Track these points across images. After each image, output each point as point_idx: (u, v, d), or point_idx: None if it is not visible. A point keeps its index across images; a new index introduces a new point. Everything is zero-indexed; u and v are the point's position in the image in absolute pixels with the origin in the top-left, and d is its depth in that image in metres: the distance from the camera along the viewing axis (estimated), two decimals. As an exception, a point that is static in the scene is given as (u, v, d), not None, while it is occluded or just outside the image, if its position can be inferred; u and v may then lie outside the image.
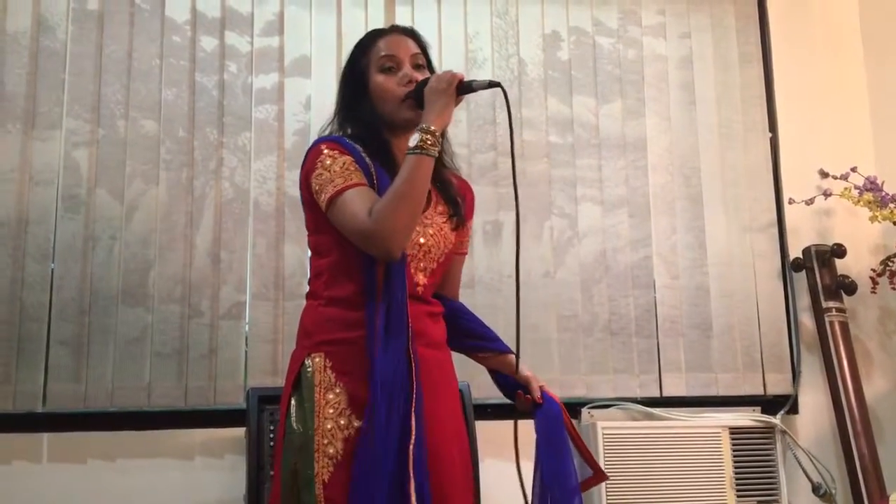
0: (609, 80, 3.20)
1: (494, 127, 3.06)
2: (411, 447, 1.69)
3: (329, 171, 1.79)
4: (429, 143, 1.77)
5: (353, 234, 1.76)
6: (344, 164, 1.81)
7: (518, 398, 1.95)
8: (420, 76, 1.89)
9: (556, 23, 3.19)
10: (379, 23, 3.01)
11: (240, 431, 2.57)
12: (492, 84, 1.87)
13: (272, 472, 2.32)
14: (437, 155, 1.79)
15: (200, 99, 2.86)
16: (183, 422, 2.69)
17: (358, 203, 1.75)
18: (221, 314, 2.75)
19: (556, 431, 1.90)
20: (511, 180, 1.91)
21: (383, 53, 1.91)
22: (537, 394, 1.93)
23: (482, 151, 3.04)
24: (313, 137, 2.84)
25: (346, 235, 1.78)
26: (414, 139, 1.77)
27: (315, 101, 2.93)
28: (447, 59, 3.05)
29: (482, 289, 2.95)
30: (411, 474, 1.68)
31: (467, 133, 3.03)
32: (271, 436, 2.40)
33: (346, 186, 1.77)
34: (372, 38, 1.97)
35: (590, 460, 1.96)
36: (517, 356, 1.92)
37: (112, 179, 2.76)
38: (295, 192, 2.85)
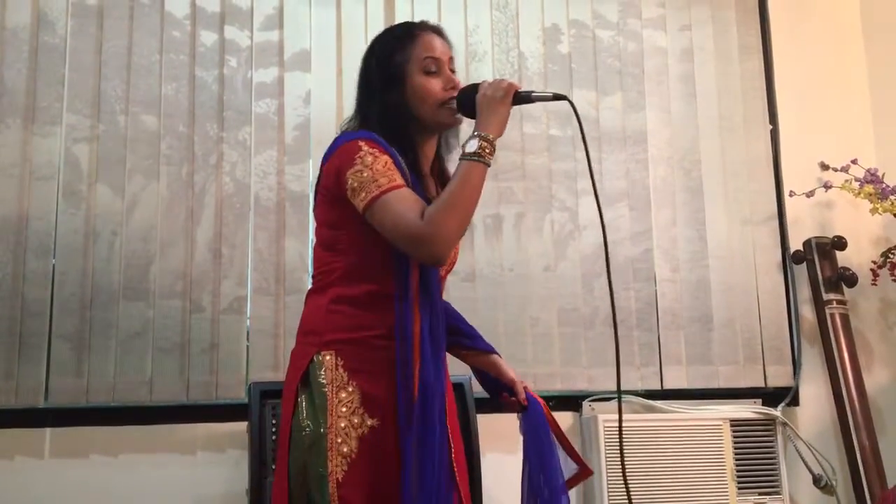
0: (609, 73, 3.19)
1: (495, 120, 3.05)
2: (453, 454, 1.74)
3: (371, 168, 1.73)
4: (487, 151, 1.74)
5: (399, 236, 1.71)
6: (386, 163, 1.75)
7: (504, 400, 1.97)
8: (459, 82, 1.88)
9: (555, 16, 3.19)
10: (378, 16, 3.01)
11: (242, 426, 2.57)
12: (557, 97, 1.84)
13: (274, 468, 2.33)
14: (491, 164, 1.77)
15: (200, 94, 2.86)
16: (185, 416, 2.70)
17: (405, 205, 1.70)
18: (223, 309, 2.75)
19: (542, 433, 1.91)
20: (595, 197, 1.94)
21: (428, 55, 1.86)
22: (522, 396, 1.93)
23: (482, 145, 3.03)
24: (313, 132, 2.90)
25: (389, 237, 1.73)
26: (472, 146, 1.74)
27: (315, 95, 2.93)
28: (447, 52, 3.05)
29: (483, 283, 2.95)
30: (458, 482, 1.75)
31: (469, 126, 3.02)
32: (273, 430, 2.40)
33: (391, 187, 1.71)
34: (409, 34, 1.90)
35: (574, 456, 1.97)
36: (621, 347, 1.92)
37: (112, 175, 2.76)
38: (296, 186, 2.86)
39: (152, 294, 2.72)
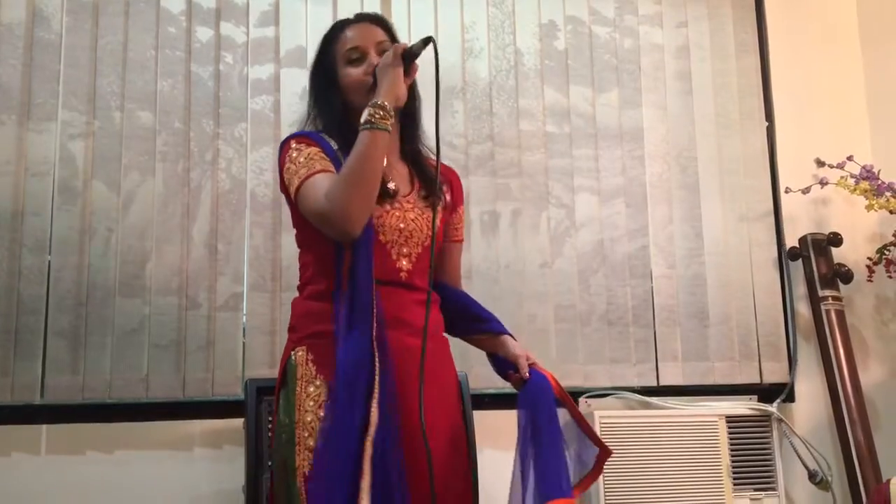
0: (606, 70, 3.19)
1: (491, 117, 3.06)
2: (368, 441, 1.66)
3: (295, 163, 1.80)
4: (378, 116, 1.75)
5: (314, 219, 1.77)
6: (309, 154, 1.81)
7: (510, 378, 1.95)
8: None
9: (552, 12, 3.18)
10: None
11: (238, 422, 2.57)
12: (425, 41, 1.84)
13: (271, 464, 2.34)
14: (388, 129, 1.76)
15: (196, 90, 2.85)
16: (181, 413, 2.69)
17: (317, 188, 1.75)
18: (219, 305, 2.75)
19: (540, 407, 1.87)
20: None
21: (349, 46, 1.90)
22: (525, 370, 1.92)
23: (479, 142, 3.03)
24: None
25: (312, 223, 1.79)
26: (364, 115, 1.76)
27: (311, 91, 2.92)
28: (443, 49, 3.00)
29: (479, 279, 2.95)
30: (366, 469, 1.65)
31: (464, 124, 3.03)
32: (270, 426, 2.41)
33: (308, 175, 1.78)
34: (338, 29, 1.96)
35: (592, 436, 1.95)
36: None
37: (108, 171, 2.75)
38: (292, 183, 2.85)
39: (148, 291, 2.71)
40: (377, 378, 1.70)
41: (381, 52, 1.88)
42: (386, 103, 1.76)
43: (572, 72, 3.16)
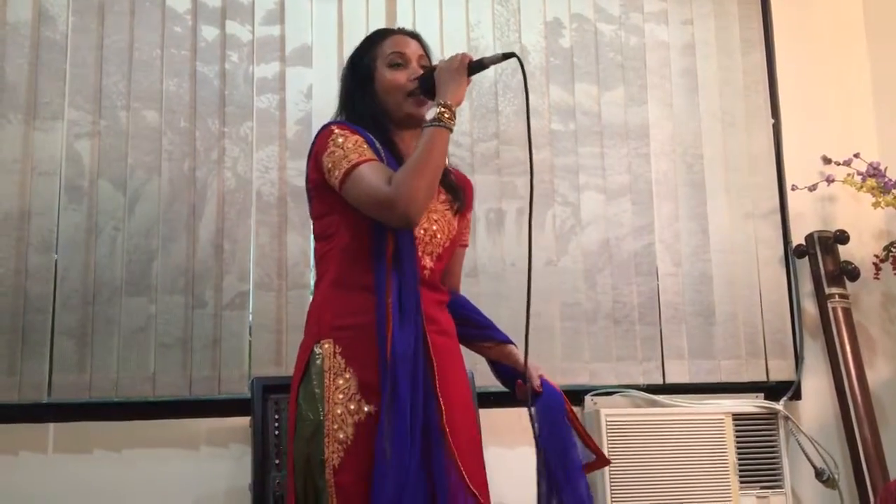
0: (611, 68, 3.19)
1: (496, 115, 3.06)
2: (444, 421, 1.74)
3: (342, 148, 1.81)
4: (446, 116, 1.81)
5: (371, 204, 1.77)
6: (356, 141, 1.83)
7: (518, 387, 1.96)
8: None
9: (557, 10, 3.18)
10: (380, 11, 3.01)
11: (244, 421, 2.57)
12: (506, 56, 1.90)
13: (278, 462, 2.34)
14: (452, 129, 1.82)
15: (202, 89, 2.86)
16: (188, 411, 2.70)
17: (375, 176, 1.77)
18: (225, 304, 2.76)
19: (558, 418, 1.91)
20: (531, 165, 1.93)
21: (393, 50, 1.94)
22: (536, 382, 1.94)
23: (484, 140, 3.03)
24: (315, 127, 2.89)
25: (363, 208, 1.79)
26: (432, 112, 1.82)
27: (316, 90, 2.93)
28: (448, 47, 3.04)
29: (485, 277, 2.95)
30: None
31: (469, 122, 3.03)
32: (276, 425, 2.41)
33: (361, 161, 1.79)
34: (380, 35, 2.01)
35: (591, 445, 1.96)
36: (527, 344, 1.93)
37: (114, 170, 2.76)
38: (298, 181, 2.85)
39: (154, 289, 2.72)
40: (435, 366, 1.78)
41: (421, 67, 1.94)
42: (452, 104, 1.82)
43: (577, 69, 3.16)
